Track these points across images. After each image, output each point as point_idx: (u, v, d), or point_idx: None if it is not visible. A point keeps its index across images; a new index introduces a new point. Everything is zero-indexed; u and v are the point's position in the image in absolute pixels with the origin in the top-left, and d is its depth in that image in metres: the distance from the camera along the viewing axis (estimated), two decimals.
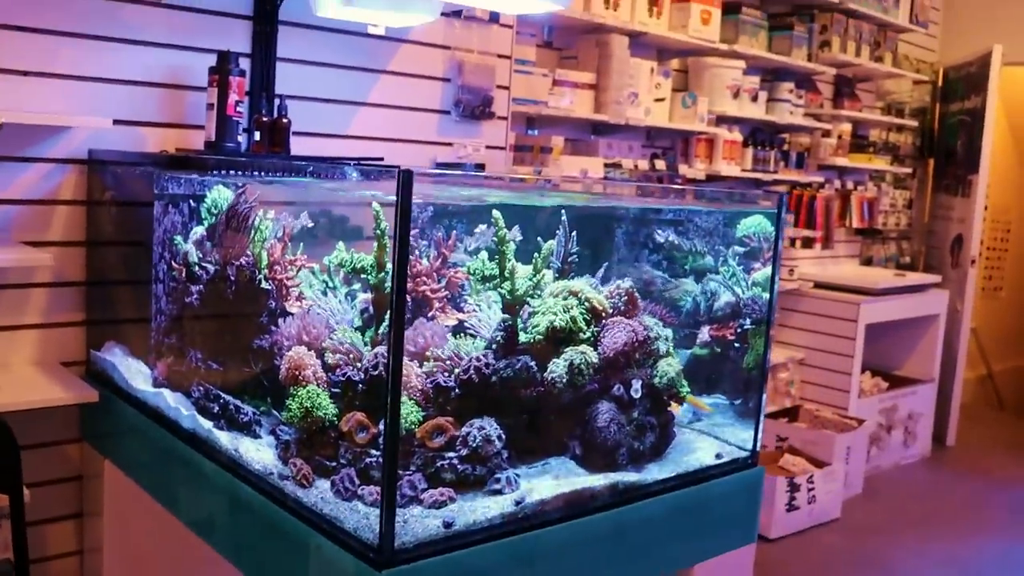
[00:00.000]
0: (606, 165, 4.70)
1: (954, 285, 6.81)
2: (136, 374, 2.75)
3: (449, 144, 3.74)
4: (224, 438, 2.28)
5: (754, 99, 5.57)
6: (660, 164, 5.05)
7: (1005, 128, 8.19)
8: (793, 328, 6.19)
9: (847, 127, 6.48)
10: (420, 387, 2.07)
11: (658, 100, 5.00)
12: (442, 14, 3.45)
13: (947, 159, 7.32)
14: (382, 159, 3.26)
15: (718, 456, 2.48)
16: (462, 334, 2.25)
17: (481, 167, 3.71)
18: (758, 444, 2.57)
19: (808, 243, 6.19)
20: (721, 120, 5.47)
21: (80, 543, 3.11)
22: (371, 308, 2.20)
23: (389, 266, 2.13)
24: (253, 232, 2.32)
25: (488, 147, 3.83)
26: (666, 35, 4.92)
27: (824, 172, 6.43)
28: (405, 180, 1.69)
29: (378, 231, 2.08)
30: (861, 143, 6.65)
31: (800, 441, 5.44)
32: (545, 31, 4.73)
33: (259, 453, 2.18)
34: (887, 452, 6.27)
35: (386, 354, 1.99)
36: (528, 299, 2.18)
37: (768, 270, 2.70)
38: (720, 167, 5.40)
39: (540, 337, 2.14)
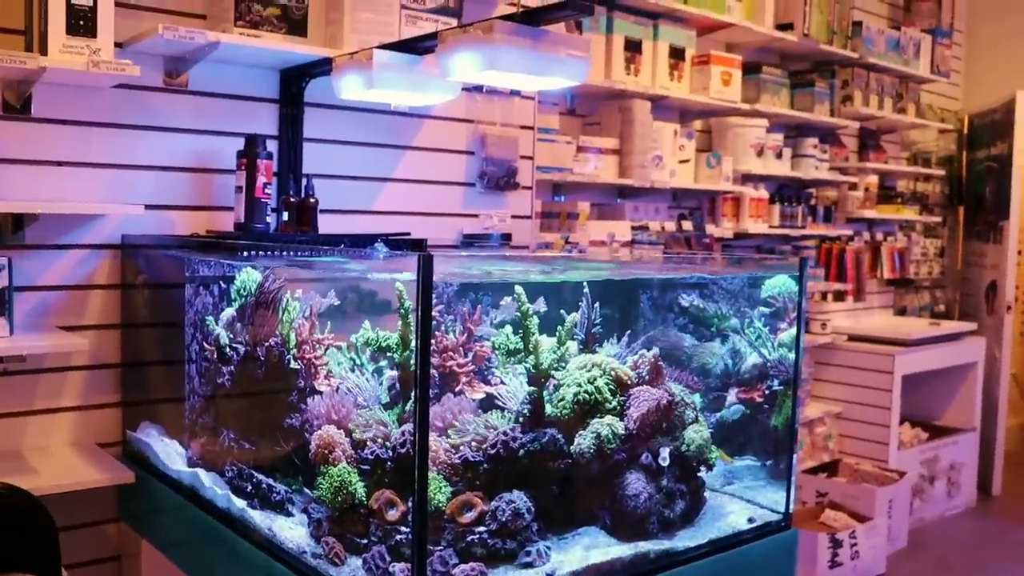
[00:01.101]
0: (633, 228, 4.73)
1: (991, 332, 6.76)
2: (171, 454, 2.79)
3: (475, 216, 3.79)
4: (258, 517, 2.30)
5: (779, 156, 5.60)
6: (687, 225, 5.08)
7: None
8: (829, 382, 6.15)
9: (874, 179, 6.49)
10: (448, 462, 2.09)
11: (683, 161, 5.05)
12: (463, 89, 3.52)
13: (977, 206, 7.30)
14: (409, 234, 3.31)
15: (750, 520, 2.48)
16: (491, 407, 2.27)
17: (508, 237, 3.76)
18: (791, 506, 2.56)
19: (840, 296, 6.17)
20: (747, 178, 5.50)
21: None
22: (398, 385, 2.23)
23: (414, 343, 2.17)
24: (281, 312, 2.36)
25: (514, 216, 3.88)
26: (688, 97, 4.98)
27: (853, 225, 6.42)
28: (426, 264, 1.73)
29: (402, 309, 2.12)
30: (889, 194, 6.65)
31: (841, 496, 5.38)
32: (568, 99, 4.80)
33: (292, 531, 2.20)
34: (931, 504, 6.18)
35: (413, 431, 2.02)
36: (553, 372, 2.20)
37: (794, 330, 2.71)
38: (747, 225, 5.41)
39: (567, 409, 2.16)
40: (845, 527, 5.07)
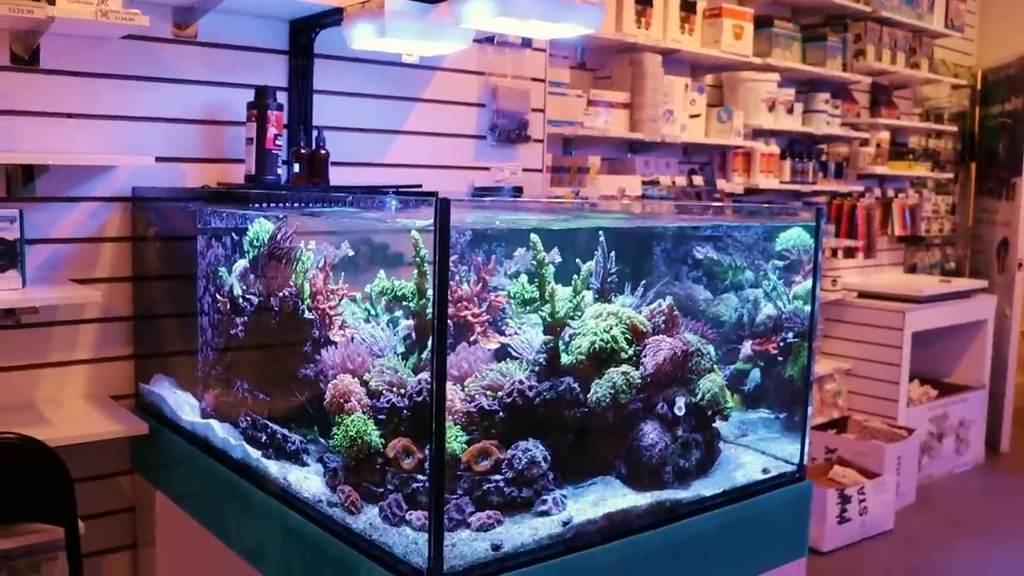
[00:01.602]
0: (644, 183, 4.70)
1: (1001, 289, 6.73)
2: (184, 405, 2.79)
3: (486, 168, 3.77)
4: (273, 467, 2.30)
5: (790, 111, 5.56)
6: (698, 180, 5.05)
7: None
8: (838, 339, 6.14)
9: (885, 135, 6.44)
10: (464, 411, 2.09)
11: (693, 116, 5.00)
12: (475, 41, 3.48)
13: (989, 162, 7.24)
14: (420, 186, 3.29)
15: (765, 471, 2.47)
16: (506, 358, 2.26)
17: (519, 190, 3.74)
18: (805, 457, 2.56)
19: (850, 253, 6.14)
20: (757, 133, 5.45)
21: (134, 573, 3.15)
22: (413, 334, 2.22)
23: (430, 292, 2.16)
24: (295, 263, 2.35)
25: (525, 170, 3.86)
26: (699, 51, 4.93)
27: (864, 181, 6.38)
28: (443, 209, 1.71)
29: (417, 258, 2.11)
30: (900, 150, 6.60)
31: (849, 452, 5.38)
32: (578, 52, 4.75)
33: (307, 481, 2.21)
34: (939, 461, 6.19)
35: (429, 380, 2.02)
36: (569, 321, 2.19)
37: (809, 283, 2.69)
38: (758, 180, 5.38)
39: (582, 358, 2.16)
40: (854, 483, 5.08)
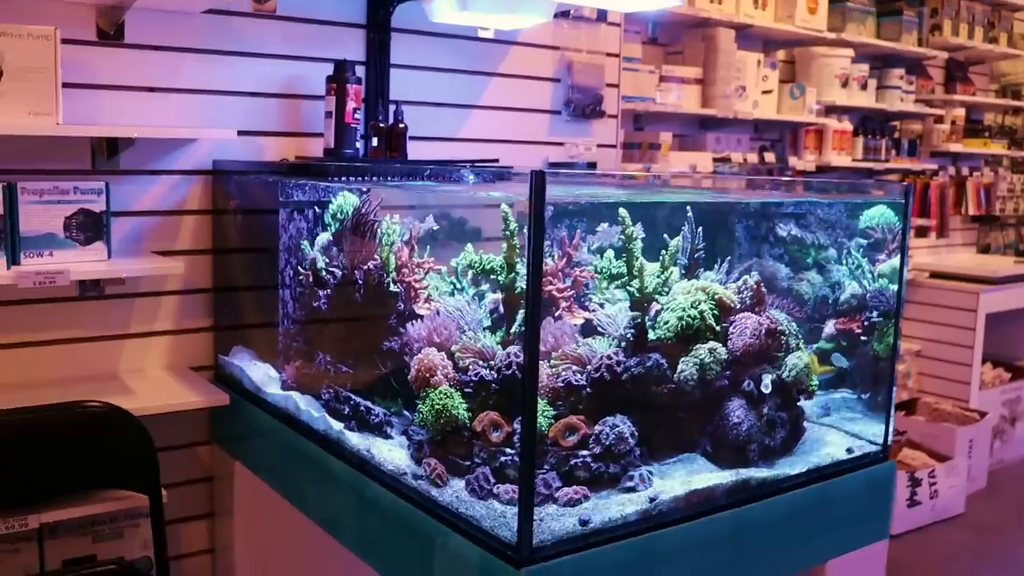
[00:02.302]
0: (715, 159, 4.66)
1: None
2: (264, 377, 2.82)
3: (560, 144, 3.75)
4: (355, 439, 2.32)
5: (863, 87, 5.46)
6: (769, 157, 4.99)
7: None
8: (909, 319, 6.04)
9: (960, 112, 6.31)
10: (551, 386, 2.08)
11: (765, 92, 4.94)
12: None
13: None
14: (497, 160, 3.28)
15: (849, 451, 2.44)
16: (589, 333, 2.25)
17: (593, 166, 3.71)
18: (889, 438, 2.52)
19: (922, 232, 6.04)
20: (830, 110, 5.37)
21: (212, 541, 3.20)
22: (501, 308, 2.22)
23: (519, 266, 2.16)
24: (380, 236, 2.36)
25: (599, 145, 3.83)
26: (772, 26, 4.86)
27: (937, 159, 6.26)
28: (538, 182, 1.70)
29: (507, 232, 2.10)
30: (976, 128, 6.46)
31: (919, 435, 5.31)
32: (650, 28, 4.70)
33: (391, 453, 2.21)
34: (1011, 445, 6.08)
35: (519, 353, 2.01)
36: (656, 296, 2.18)
37: (893, 261, 2.65)
38: (830, 158, 5.30)
39: (670, 334, 2.14)
40: (924, 466, 5.01)
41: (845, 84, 5.33)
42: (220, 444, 3.09)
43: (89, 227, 2.68)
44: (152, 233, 2.95)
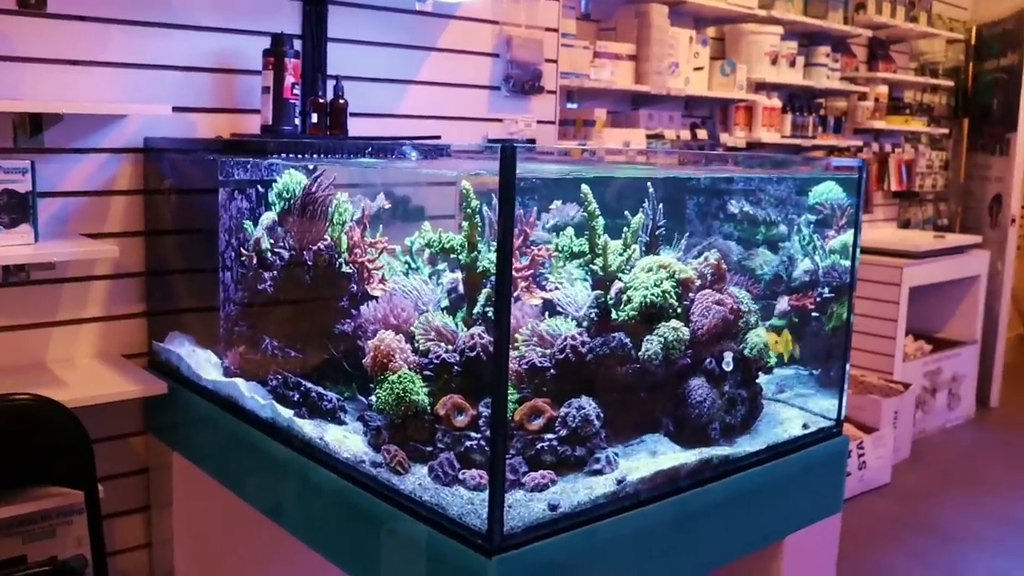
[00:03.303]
0: (648, 136, 4.64)
1: (994, 245, 6.73)
2: (204, 364, 2.71)
3: (500, 120, 3.68)
4: (307, 427, 2.23)
5: (792, 64, 5.50)
6: (701, 133, 4.99)
7: None
8: None
9: (883, 89, 6.40)
10: (515, 368, 2.03)
11: (697, 69, 4.93)
12: None
13: (983, 118, 7.22)
14: (439, 137, 3.21)
15: (805, 426, 2.44)
16: (549, 313, 2.20)
17: (532, 142, 3.66)
18: (842, 412, 2.53)
19: None
20: (760, 87, 5.40)
21: (149, 535, 3.08)
22: (461, 288, 2.15)
23: (481, 245, 2.09)
24: (332, 215, 2.27)
25: (539, 122, 3.77)
26: (704, 3, 4.85)
27: (861, 135, 6.35)
28: (509, 157, 1.64)
29: (468, 209, 2.03)
30: (897, 105, 6.57)
31: (847, 407, 5.37)
32: (583, 3, 4.66)
33: (347, 440, 2.14)
34: (932, 415, 6.22)
35: (483, 334, 1.95)
36: (619, 275, 2.13)
37: (844, 237, 2.65)
38: (760, 134, 5.33)
39: (634, 313, 2.10)
40: (852, 438, 5.08)
41: (774, 61, 5.35)
42: (156, 434, 2.98)
43: (14, 209, 2.54)
44: (80, 214, 2.82)
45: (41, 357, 2.82)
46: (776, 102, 5.43)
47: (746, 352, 2.27)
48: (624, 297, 2.12)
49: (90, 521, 2.52)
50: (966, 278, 6.49)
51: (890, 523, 4.72)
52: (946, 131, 7.26)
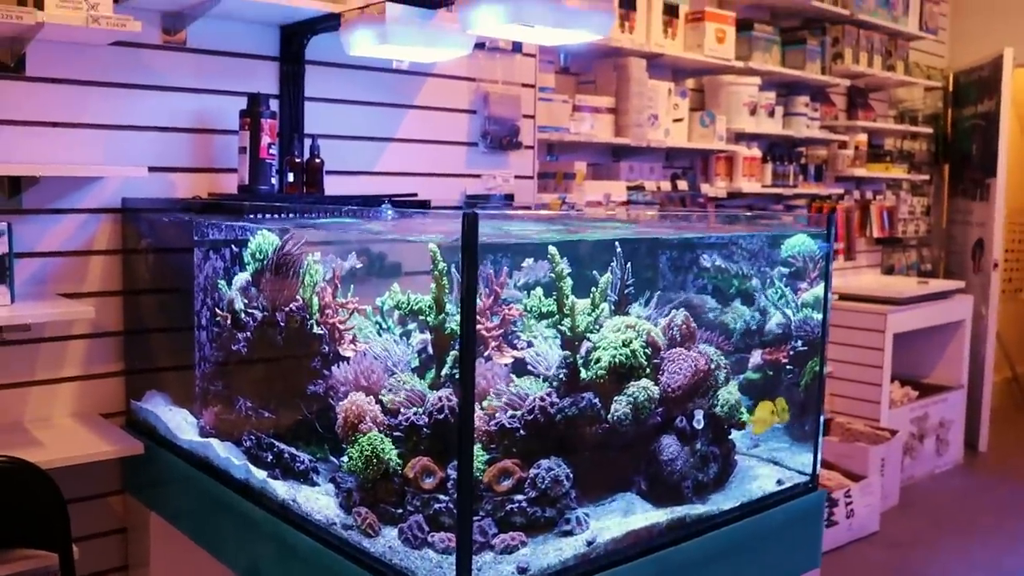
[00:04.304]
0: (628, 188, 4.67)
1: (977, 290, 6.77)
2: (181, 423, 2.71)
3: (478, 176, 3.71)
4: (280, 488, 2.23)
5: (771, 114, 5.55)
6: (682, 184, 5.02)
7: (1017, 130, 8.16)
8: None
9: (863, 137, 6.46)
10: (484, 429, 2.03)
11: (677, 120, 4.98)
12: None
13: (962, 164, 7.29)
14: (416, 194, 3.23)
15: (779, 482, 2.44)
16: (519, 373, 2.21)
17: (510, 197, 3.69)
18: (818, 467, 2.53)
19: None
20: (740, 137, 5.45)
21: None
22: (430, 349, 2.16)
23: (449, 307, 2.11)
24: (303, 276, 2.28)
25: (517, 176, 3.81)
26: (682, 55, 4.90)
27: (842, 183, 6.40)
28: (471, 223, 1.66)
29: (436, 271, 2.05)
30: (877, 152, 6.63)
31: (833, 455, 5.38)
32: (562, 57, 4.71)
33: (319, 502, 2.14)
34: (920, 461, 6.21)
35: (451, 396, 1.96)
36: (588, 335, 2.14)
37: (816, 290, 2.67)
38: (741, 184, 5.37)
39: (603, 373, 2.10)
40: (839, 486, 5.07)
41: (753, 112, 5.41)
42: (134, 494, 2.97)
43: None
44: (58, 275, 2.83)
45: (19, 416, 2.82)
46: (756, 152, 5.48)
47: (717, 409, 2.27)
48: (593, 357, 2.13)
49: None
50: (951, 323, 6.51)
51: (879, 572, 4.70)
52: (927, 177, 7.33)
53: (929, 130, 7.28)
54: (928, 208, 7.46)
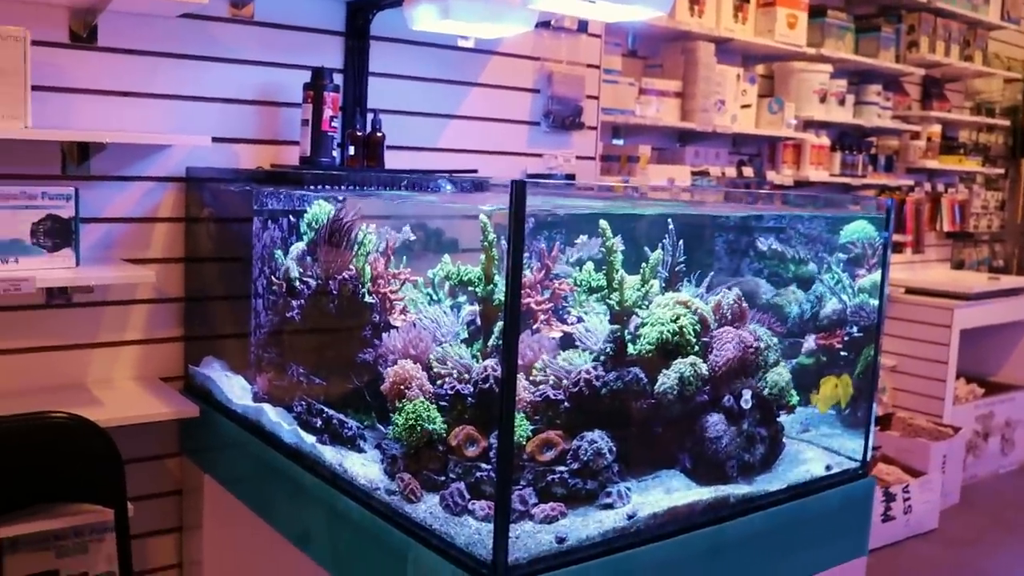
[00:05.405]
0: (693, 173, 4.64)
1: None
2: (236, 388, 2.76)
3: (539, 155, 3.72)
4: (328, 453, 2.27)
5: (841, 103, 5.47)
6: (748, 171, 4.98)
7: None
8: (884, 335, 6.04)
9: (936, 129, 6.33)
10: (529, 400, 2.04)
11: (744, 106, 4.94)
12: None
13: None
14: (476, 171, 3.25)
15: (828, 467, 2.41)
16: (568, 347, 2.21)
17: (571, 178, 3.69)
18: (868, 454, 2.50)
19: (898, 248, 6.05)
20: (808, 125, 5.38)
21: (179, 556, 3.14)
22: (478, 320, 2.18)
23: (497, 278, 2.12)
24: (356, 246, 2.31)
25: (578, 157, 3.80)
26: (752, 40, 4.85)
27: (913, 175, 6.28)
28: (519, 192, 1.66)
29: (486, 243, 2.06)
30: (951, 144, 6.50)
31: (894, 449, 5.30)
32: (630, 40, 4.69)
33: (364, 468, 2.17)
34: (984, 460, 6.09)
35: (496, 367, 1.98)
36: (636, 310, 2.14)
37: (874, 276, 2.63)
38: (808, 172, 5.30)
39: (650, 348, 2.10)
40: (898, 481, 5.00)
41: (823, 99, 5.33)
42: (190, 456, 3.04)
43: (57, 233, 2.62)
44: (123, 240, 2.90)
45: (82, 378, 2.89)
46: (825, 140, 5.41)
47: (766, 391, 2.26)
48: (641, 332, 2.13)
49: (119, 539, 2.58)
50: (1021, 320, 6.36)
51: (935, 569, 4.63)
52: (1002, 171, 7.15)
53: (1007, 123, 7.10)
54: (1003, 203, 7.29)
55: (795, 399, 2.35)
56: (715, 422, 2.15)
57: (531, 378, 2.10)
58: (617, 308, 2.12)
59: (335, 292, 2.36)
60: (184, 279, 3.01)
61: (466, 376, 2.06)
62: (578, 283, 2.19)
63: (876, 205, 2.58)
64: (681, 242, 2.28)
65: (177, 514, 3.11)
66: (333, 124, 2.92)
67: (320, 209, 2.43)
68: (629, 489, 2.04)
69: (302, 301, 2.45)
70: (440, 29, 2.89)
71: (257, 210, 2.65)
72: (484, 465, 1.96)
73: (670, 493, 2.09)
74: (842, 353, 2.63)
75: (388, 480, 2.09)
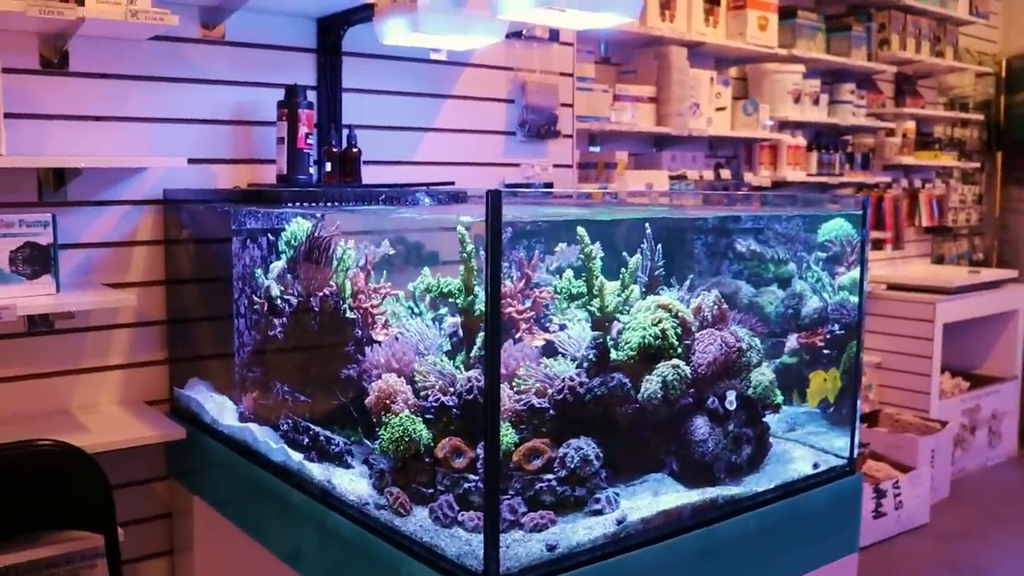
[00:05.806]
0: (671, 177, 4.66)
1: None
2: (222, 409, 2.76)
3: (516, 165, 3.72)
4: (316, 470, 2.27)
5: (815, 102, 5.50)
6: (725, 173, 5.00)
7: None
8: (868, 332, 6.07)
9: (911, 125, 6.38)
10: (513, 409, 2.05)
11: (719, 109, 4.96)
12: None
13: (1016, 151, 7.15)
14: (453, 183, 3.25)
15: (815, 466, 2.43)
16: (551, 355, 2.22)
17: (549, 186, 3.70)
18: (855, 451, 2.51)
19: (878, 245, 6.08)
20: (784, 126, 5.40)
21: None
22: (460, 331, 2.18)
23: (478, 289, 2.12)
24: (336, 262, 2.31)
25: (556, 166, 3.81)
26: (724, 43, 4.88)
27: (890, 172, 6.32)
28: (495, 202, 1.67)
29: (464, 254, 2.07)
30: (926, 140, 6.53)
31: (882, 446, 5.32)
32: (602, 47, 4.71)
33: (353, 484, 2.17)
34: (972, 453, 6.12)
35: (480, 377, 1.98)
36: (618, 315, 2.15)
37: (853, 273, 2.65)
38: (785, 173, 5.33)
39: (632, 353, 2.11)
40: (888, 477, 5.02)
41: (797, 100, 5.36)
42: (178, 479, 3.02)
43: (36, 260, 2.61)
44: (102, 265, 2.89)
45: (66, 404, 2.88)
46: (801, 140, 5.44)
47: (750, 391, 2.26)
48: (623, 338, 2.14)
49: (110, 565, 2.56)
50: (1003, 313, 6.40)
51: (927, 564, 4.64)
52: (978, 165, 7.20)
53: (980, 117, 7.16)
54: (980, 196, 7.34)
55: (780, 399, 2.36)
56: (700, 424, 2.16)
57: (515, 387, 2.10)
58: (598, 314, 2.13)
59: (316, 309, 2.36)
60: (166, 302, 3.00)
61: (450, 388, 2.07)
62: (558, 291, 2.20)
63: (853, 202, 2.59)
64: (660, 246, 2.29)
65: (168, 537, 3.10)
66: (309, 141, 2.93)
67: (298, 227, 2.44)
68: (618, 494, 2.04)
69: (284, 319, 2.45)
70: (411, 43, 2.90)
71: (236, 230, 2.65)
72: (472, 476, 1.96)
73: (658, 497, 2.09)
74: (825, 351, 2.65)
75: (377, 495, 2.09)
